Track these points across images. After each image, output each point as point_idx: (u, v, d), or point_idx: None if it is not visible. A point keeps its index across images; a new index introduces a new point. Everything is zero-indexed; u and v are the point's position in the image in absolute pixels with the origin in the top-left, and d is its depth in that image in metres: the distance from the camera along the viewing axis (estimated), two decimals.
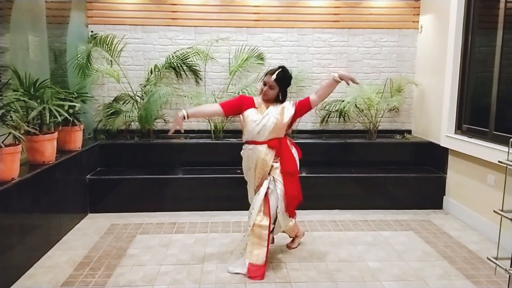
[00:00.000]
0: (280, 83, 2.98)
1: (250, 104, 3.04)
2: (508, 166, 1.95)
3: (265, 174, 3.04)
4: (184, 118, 2.96)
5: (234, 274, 2.98)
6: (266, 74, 3.04)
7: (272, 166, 3.02)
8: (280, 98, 3.05)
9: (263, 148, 2.98)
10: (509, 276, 1.88)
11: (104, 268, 3.08)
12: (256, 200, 3.01)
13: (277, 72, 2.95)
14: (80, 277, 2.94)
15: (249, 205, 3.16)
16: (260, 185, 3.05)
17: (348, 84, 3.04)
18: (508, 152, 1.93)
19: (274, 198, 3.00)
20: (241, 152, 3.13)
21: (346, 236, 3.72)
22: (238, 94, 4.88)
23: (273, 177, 3.02)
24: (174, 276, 2.97)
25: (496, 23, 3.66)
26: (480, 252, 3.37)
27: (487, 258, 1.91)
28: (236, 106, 3.05)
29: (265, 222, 2.96)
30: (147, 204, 4.34)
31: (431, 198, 4.50)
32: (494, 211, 1.87)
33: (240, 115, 3.05)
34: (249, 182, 3.14)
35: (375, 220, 4.12)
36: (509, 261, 1.84)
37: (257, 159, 2.98)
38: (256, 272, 2.93)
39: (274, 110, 3.00)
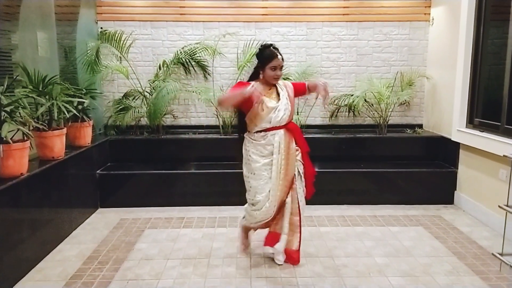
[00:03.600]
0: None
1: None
2: None
3: (293, 161, 2.93)
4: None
5: (240, 269, 3.00)
6: (266, 59, 2.83)
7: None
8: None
9: (284, 131, 2.89)
10: None
11: (112, 262, 3.12)
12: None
13: (278, 52, 2.86)
14: (88, 270, 2.98)
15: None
16: (291, 178, 2.94)
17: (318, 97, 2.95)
18: None
19: (299, 183, 3.01)
20: (251, 145, 2.92)
21: (354, 232, 3.70)
22: None
23: (299, 162, 3.00)
24: (180, 270, 2.99)
25: (508, 15, 3.57)
26: (491, 248, 3.30)
27: (492, 254, 1.87)
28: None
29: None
30: (156, 199, 4.38)
31: (442, 193, 4.44)
32: (499, 206, 1.83)
33: (256, 105, 2.78)
34: (262, 172, 2.89)
35: (384, 216, 4.09)
36: None
37: (283, 143, 2.87)
38: (294, 255, 3.01)
39: (281, 92, 2.92)
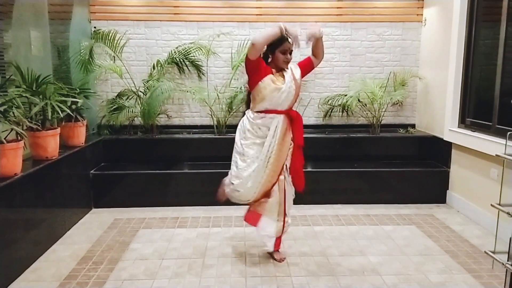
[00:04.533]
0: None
1: (267, 69, 2.84)
2: (506, 160, 1.93)
3: (286, 150, 2.93)
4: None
5: (235, 268, 3.01)
6: (276, 42, 2.79)
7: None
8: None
9: (284, 118, 2.88)
10: (506, 269, 1.88)
11: (106, 262, 3.11)
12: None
13: (288, 37, 2.81)
14: (82, 271, 2.97)
15: None
16: (280, 168, 2.93)
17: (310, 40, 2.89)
18: (506, 145, 1.92)
19: (287, 175, 3.02)
20: (247, 121, 2.91)
21: (348, 231, 3.72)
22: (240, 89, 4.89)
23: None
24: (175, 270, 2.99)
25: (500, 16, 3.62)
26: (483, 247, 3.36)
27: (485, 252, 1.91)
28: (256, 63, 2.77)
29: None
30: (151, 199, 4.37)
31: (434, 192, 4.48)
32: (492, 205, 1.86)
33: (260, 82, 2.79)
34: (250, 151, 2.89)
35: (377, 215, 4.12)
36: (507, 255, 1.83)
37: (280, 128, 2.85)
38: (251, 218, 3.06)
39: (287, 76, 2.89)
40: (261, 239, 3.12)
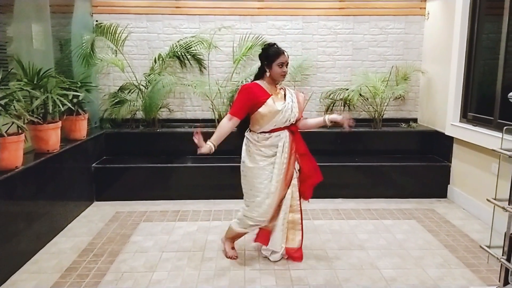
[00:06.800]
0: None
1: (263, 93, 2.83)
2: (502, 154, 1.93)
3: (294, 161, 2.94)
4: (212, 151, 2.82)
5: (234, 261, 3.04)
6: (273, 56, 2.82)
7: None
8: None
9: (288, 133, 2.90)
10: (501, 264, 1.88)
11: (107, 255, 3.14)
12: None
13: (283, 50, 2.87)
14: (83, 263, 3.01)
15: None
16: (289, 179, 2.95)
17: (343, 127, 3.02)
18: (502, 139, 1.91)
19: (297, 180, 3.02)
20: (253, 146, 2.89)
21: (348, 225, 3.73)
22: (241, 83, 4.88)
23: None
24: (175, 262, 3.02)
25: (502, 10, 3.58)
26: (482, 241, 3.35)
27: (480, 246, 1.91)
28: (249, 105, 2.81)
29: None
30: (152, 192, 4.40)
31: (435, 187, 4.48)
32: (488, 199, 1.86)
33: (261, 109, 2.79)
34: (265, 172, 2.87)
35: (378, 209, 4.12)
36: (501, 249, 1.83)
37: (288, 143, 2.88)
38: (295, 254, 3.01)
39: (288, 94, 2.93)
40: (266, 253, 3.10)
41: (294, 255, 3.01)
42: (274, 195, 2.86)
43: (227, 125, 2.84)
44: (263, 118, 2.82)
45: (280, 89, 2.94)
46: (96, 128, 4.84)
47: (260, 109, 2.80)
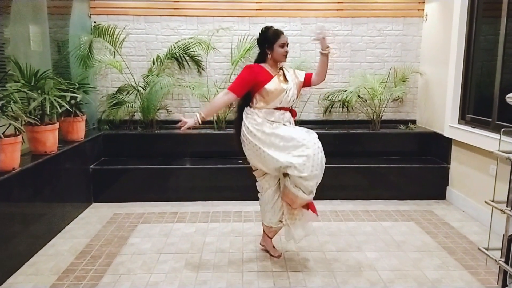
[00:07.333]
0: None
1: (266, 73, 2.84)
2: (500, 156, 1.93)
3: None
4: (199, 122, 2.84)
5: (232, 263, 3.02)
6: (273, 37, 2.82)
7: None
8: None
9: (290, 115, 2.95)
10: (499, 266, 1.87)
11: (104, 257, 3.13)
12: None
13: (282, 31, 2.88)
14: (81, 265, 2.99)
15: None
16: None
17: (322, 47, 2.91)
18: (500, 141, 1.91)
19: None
20: (256, 116, 2.83)
21: (346, 226, 3.73)
22: None
23: None
24: (172, 264, 3.01)
25: (500, 11, 3.59)
26: (480, 243, 3.33)
27: (478, 248, 1.90)
28: (250, 83, 2.81)
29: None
30: (150, 194, 4.39)
31: (434, 188, 4.47)
32: (486, 201, 1.86)
33: (267, 85, 2.79)
34: (275, 138, 2.80)
35: (376, 211, 4.12)
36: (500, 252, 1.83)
37: (292, 124, 2.92)
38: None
39: (288, 74, 2.94)
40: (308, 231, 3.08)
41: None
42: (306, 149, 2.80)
43: (221, 99, 2.84)
44: (268, 95, 2.82)
45: (279, 69, 2.95)
46: (94, 130, 4.83)
47: (267, 86, 2.80)
